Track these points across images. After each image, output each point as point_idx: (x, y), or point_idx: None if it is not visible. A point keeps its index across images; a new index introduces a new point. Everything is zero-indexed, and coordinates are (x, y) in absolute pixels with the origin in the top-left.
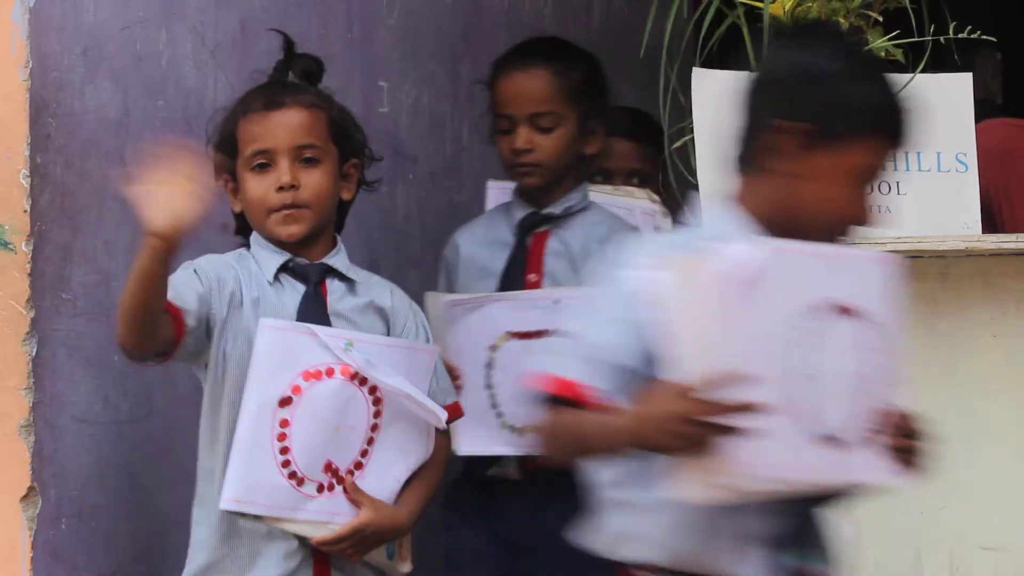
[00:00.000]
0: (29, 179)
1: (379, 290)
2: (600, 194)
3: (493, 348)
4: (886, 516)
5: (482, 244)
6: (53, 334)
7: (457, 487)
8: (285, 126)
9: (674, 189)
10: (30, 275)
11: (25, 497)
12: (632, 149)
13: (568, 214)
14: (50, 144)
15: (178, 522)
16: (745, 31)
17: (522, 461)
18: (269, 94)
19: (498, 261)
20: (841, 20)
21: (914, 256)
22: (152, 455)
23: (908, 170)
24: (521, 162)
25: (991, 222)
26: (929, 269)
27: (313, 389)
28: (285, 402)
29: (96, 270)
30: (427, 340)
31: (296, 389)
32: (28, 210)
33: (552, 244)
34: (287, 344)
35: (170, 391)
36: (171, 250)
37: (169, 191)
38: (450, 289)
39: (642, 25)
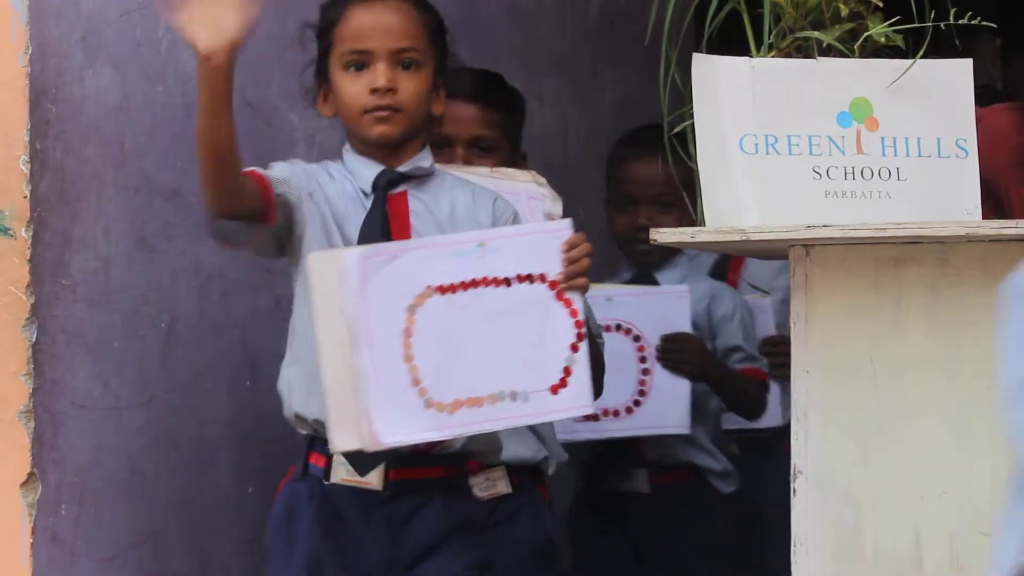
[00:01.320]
0: (29, 165)
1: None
2: (473, 176)
3: (411, 309)
4: (886, 501)
5: (332, 197)
6: (53, 320)
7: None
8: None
9: (673, 175)
10: (30, 261)
11: (25, 483)
12: (475, 113)
13: (425, 175)
14: (50, 130)
15: (178, 508)
16: (745, 17)
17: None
18: None
19: (352, 219)
20: (841, 6)
21: (914, 242)
22: (152, 441)
23: (908, 156)
24: (381, 104)
25: (999, 207)
26: (929, 255)
27: None
28: None
29: (96, 256)
30: None
31: None
32: (28, 196)
33: (414, 206)
34: None
35: (170, 377)
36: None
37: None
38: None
39: (641, 11)
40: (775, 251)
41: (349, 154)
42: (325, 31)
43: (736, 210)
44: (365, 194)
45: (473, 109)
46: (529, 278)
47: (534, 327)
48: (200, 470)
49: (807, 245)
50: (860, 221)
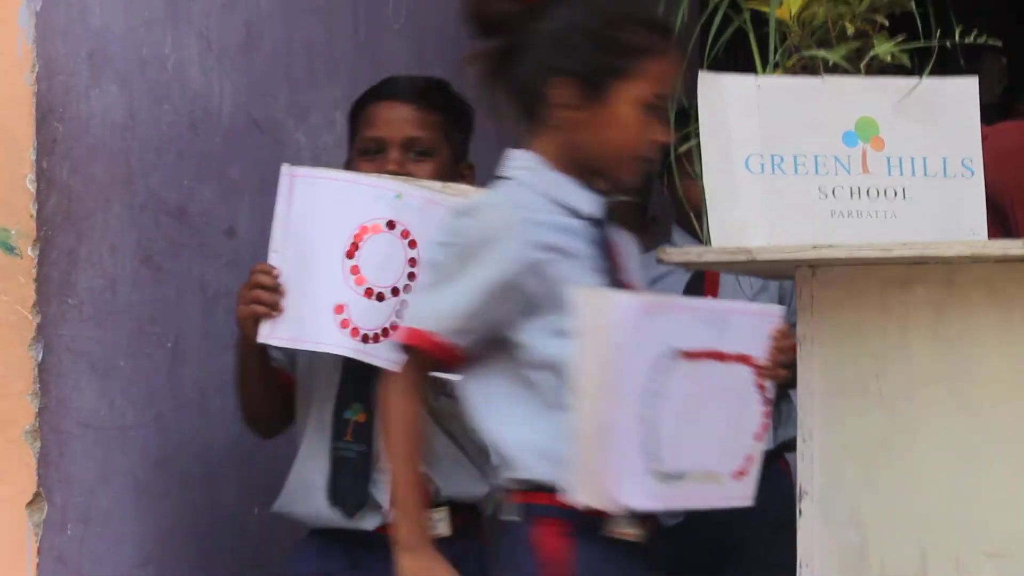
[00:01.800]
0: (35, 184)
1: None
2: (425, 192)
3: (656, 368)
4: (892, 521)
5: (557, 230)
6: (59, 339)
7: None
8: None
9: (679, 194)
10: (36, 280)
11: (31, 503)
12: (411, 113)
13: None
14: (56, 148)
15: (184, 527)
16: (751, 35)
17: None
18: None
19: (585, 263)
20: (847, 24)
21: (919, 262)
22: (158, 460)
23: (914, 175)
24: (654, 159)
25: (1003, 225)
26: (934, 275)
27: None
28: None
29: (102, 275)
30: None
31: None
32: (34, 215)
33: (617, 241)
34: None
35: (176, 395)
36: None
37: None
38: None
39: None
40: (781, 271)
41: (569, 182)
42: (629, 53)
43: (742, 230)
44: (588, 224)
45: (409, 109)
46: (739, 357)
47: (734, 408)
48: (206, 489)
49: (813, 265)
50: (866, 241)
